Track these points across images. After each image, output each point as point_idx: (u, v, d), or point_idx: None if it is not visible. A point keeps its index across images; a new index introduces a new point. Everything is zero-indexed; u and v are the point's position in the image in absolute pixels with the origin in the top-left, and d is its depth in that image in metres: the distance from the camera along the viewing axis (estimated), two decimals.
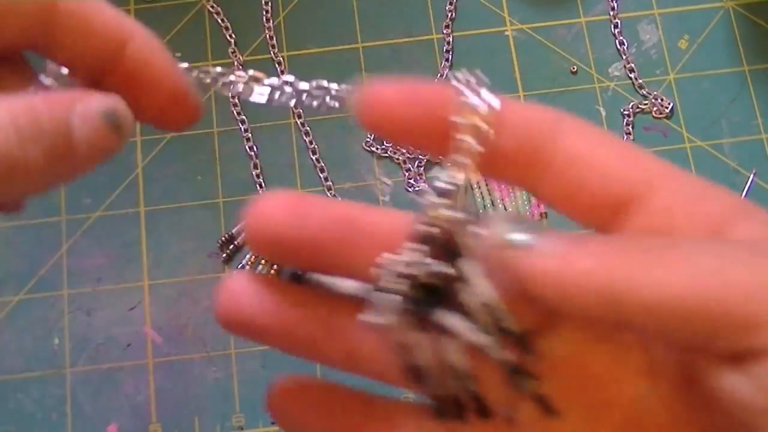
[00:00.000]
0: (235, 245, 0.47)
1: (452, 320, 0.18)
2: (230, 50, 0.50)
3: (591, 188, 0.19)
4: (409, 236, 0.19)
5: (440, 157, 0.19)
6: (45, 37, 0.20)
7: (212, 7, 0.51)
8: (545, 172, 0.19)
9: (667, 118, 0.49)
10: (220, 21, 0.51)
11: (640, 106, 0.49)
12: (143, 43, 0.22)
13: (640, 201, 0.19)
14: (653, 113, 0.49)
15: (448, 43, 0.50)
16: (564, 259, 0.17)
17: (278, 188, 0.49)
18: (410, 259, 0.18)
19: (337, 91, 0.22)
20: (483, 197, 0.47)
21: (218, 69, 0.22)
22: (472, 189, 0.48)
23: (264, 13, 0.51)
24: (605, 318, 0.17)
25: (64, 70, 0.21)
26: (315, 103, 0.22)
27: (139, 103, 0.21)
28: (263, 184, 0.48)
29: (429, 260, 0.18)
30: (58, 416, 0.44)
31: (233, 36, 0.51)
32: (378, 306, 0.19)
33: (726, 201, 0.19)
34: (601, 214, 0.19)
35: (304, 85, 0.22)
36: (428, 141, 0.19)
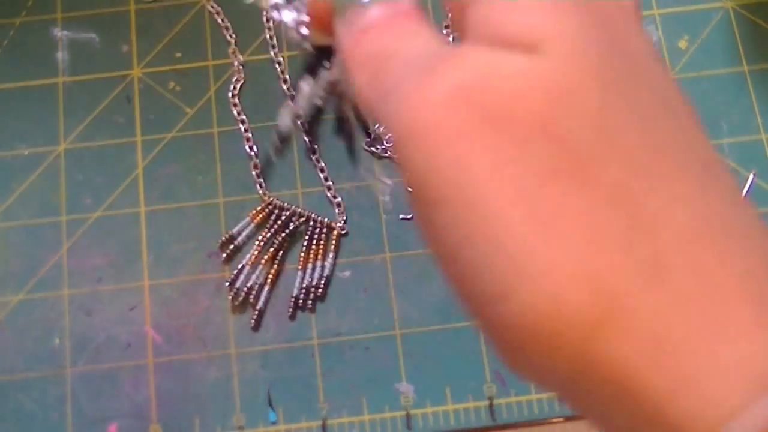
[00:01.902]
0: (235, 245, 0.47)
1: None
2: (230, 50, 0.50)
3: None
4: None
5: None
6: None
7: (212, 7, 0.51)
8: None
9: None
10: (220, 21, 0.51)
11: None
12: None
13: None
14: None
15: (448, 43, 0.50)
16: (353, 40, 0.18)
17: (278, 188, 0.49)
18: None
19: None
20: None
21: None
22: None
23: (264, 13, 0.51)
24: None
25: None
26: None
27: None
28: (263, 184, 0.48)
29: None
30: (58, 416, 0.44)
31: (233, 36, 0.51)
32: None
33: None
34: None
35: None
36: None
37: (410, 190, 0.16)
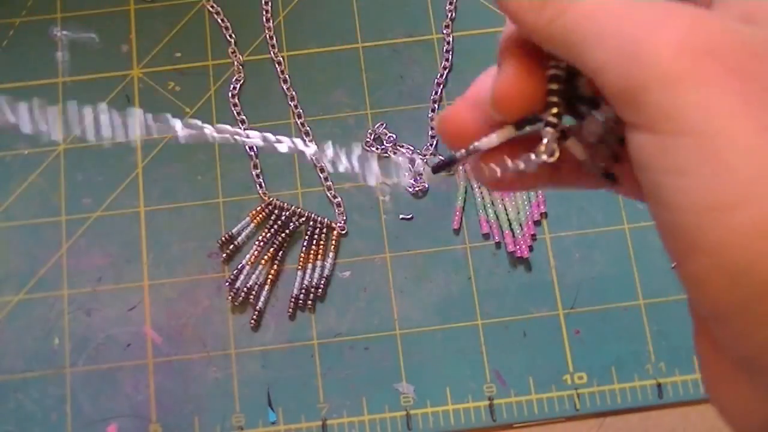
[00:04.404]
0: (235, 245, 0.47)
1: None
2: (230, 50, 0.50)
3: None
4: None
5: None
6: None
7: (212, 7, 0.51)
8: None
9: None
10: (220, 21, 0.51)
11: None
12: None
13: None
14: None
15: (448, 43, 0.50)
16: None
17: (278, 188, 0.49)
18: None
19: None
20: (483, 197, 0.47)
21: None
22: (472, 189, 0.48)
23: (264, 13, 0.51)
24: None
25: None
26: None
27: None
28: (263, 184, 0.48)
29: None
30: (58, 416, 0.44)
31: (233, 36, 0.51)
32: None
33: None
34: None
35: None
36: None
37: (639, 124, 0.18)
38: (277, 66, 0.50)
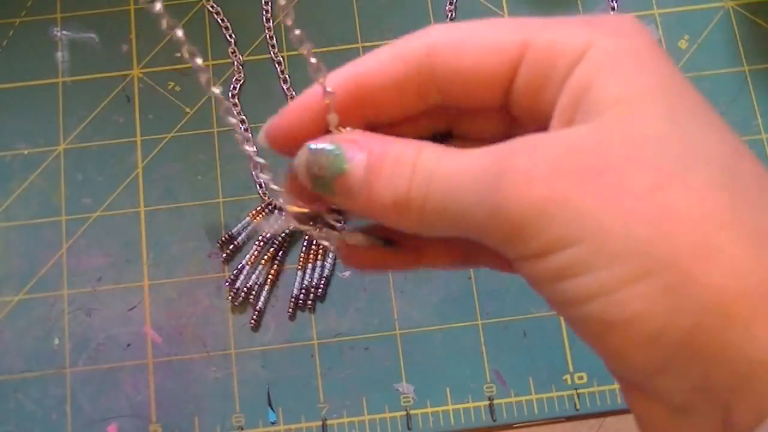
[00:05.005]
0: (235, 245, 0.47)
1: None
2: (230, 50, 0.50)
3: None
4: None
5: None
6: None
7: (212, 7, 0.51)
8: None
9: None
10: (220, 21, 0.51)
11: None
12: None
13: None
14: None
15: None
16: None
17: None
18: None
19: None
20: None
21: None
22: None
23: (264, 13, 0.51)
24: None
25: None
26: None
27: None
28: (263, 184, 0.48)
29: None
30: (58, 416, 0.44)
31: (233, 36, 0.51)
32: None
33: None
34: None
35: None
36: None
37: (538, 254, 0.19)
38: (277, 66, 0.50)
